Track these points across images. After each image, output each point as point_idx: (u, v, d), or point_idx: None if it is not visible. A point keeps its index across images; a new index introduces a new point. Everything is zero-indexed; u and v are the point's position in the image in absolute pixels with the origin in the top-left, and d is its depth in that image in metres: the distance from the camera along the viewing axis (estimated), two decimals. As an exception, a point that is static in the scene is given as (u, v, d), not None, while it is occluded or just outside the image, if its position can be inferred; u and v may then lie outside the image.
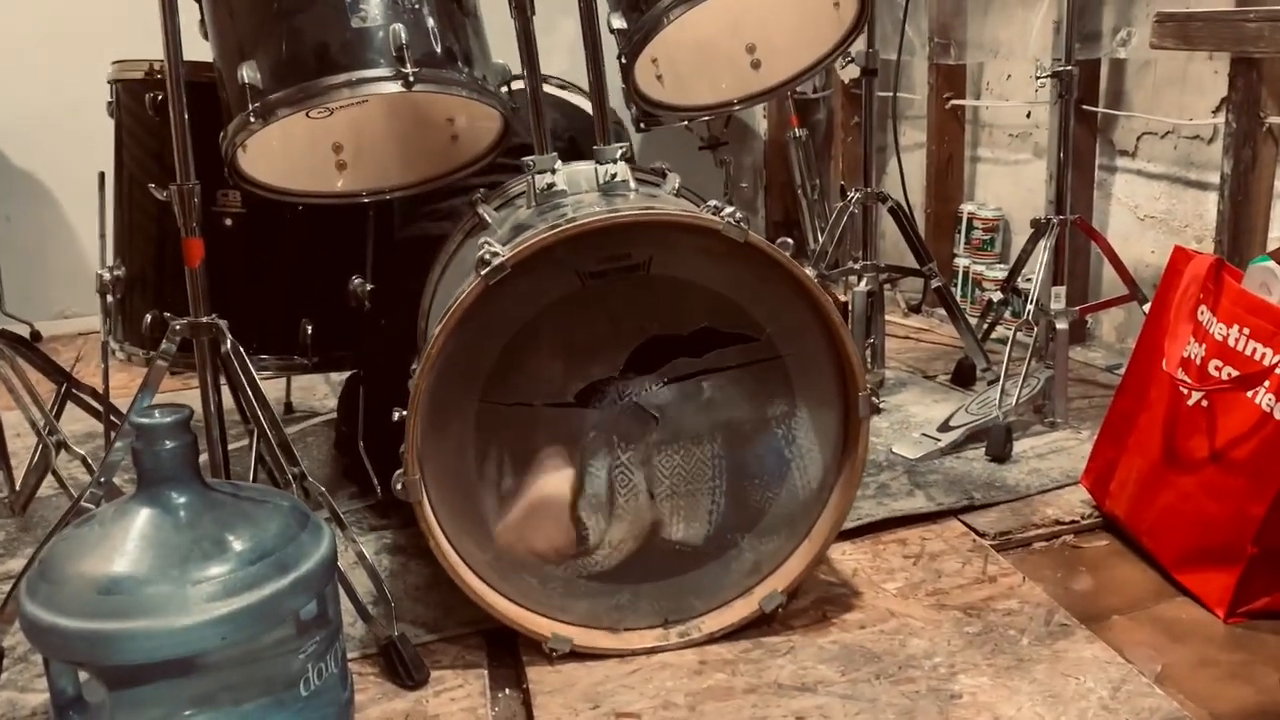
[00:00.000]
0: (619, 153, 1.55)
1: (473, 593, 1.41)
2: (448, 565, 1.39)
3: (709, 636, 1.49)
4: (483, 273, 1.31)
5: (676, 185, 1.65)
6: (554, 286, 1.39)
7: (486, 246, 1.34)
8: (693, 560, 1.50)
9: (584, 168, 1.55)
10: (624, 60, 1.82)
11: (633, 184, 1.53)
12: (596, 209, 1.41)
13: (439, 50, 1.54)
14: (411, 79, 1.48)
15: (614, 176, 1.53)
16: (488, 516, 1.44)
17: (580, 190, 1.53)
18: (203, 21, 1.59)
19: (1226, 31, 0.88)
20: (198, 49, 1.60)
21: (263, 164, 1.64)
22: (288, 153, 1.72)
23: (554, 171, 1.53)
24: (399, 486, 1.35)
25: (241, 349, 1.37)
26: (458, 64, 1.57)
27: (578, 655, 1.45)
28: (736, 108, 2.05)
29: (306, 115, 1.59)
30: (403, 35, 1.47)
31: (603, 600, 1.48)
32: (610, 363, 1.44)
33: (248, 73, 1.48)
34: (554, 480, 1.45)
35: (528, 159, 1.55)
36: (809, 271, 1.41)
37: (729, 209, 1.40)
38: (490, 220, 1.60)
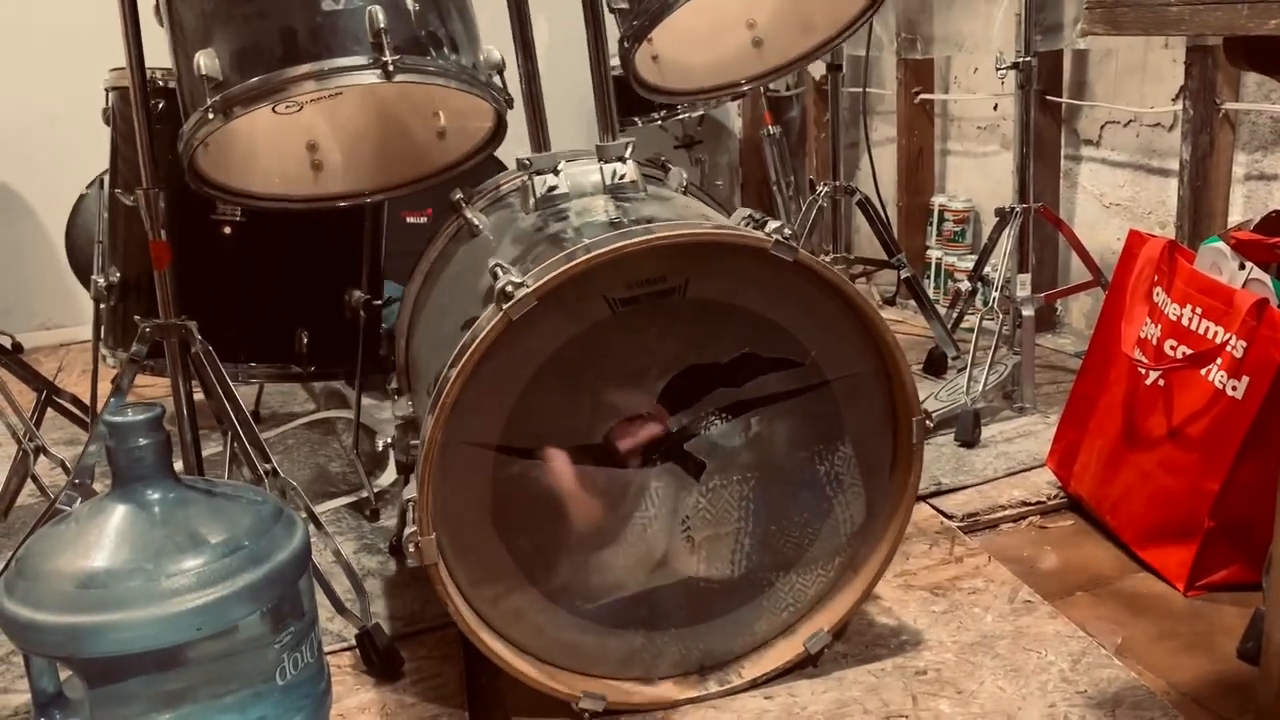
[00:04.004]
0: (626, 149, 1.42)
1: (496, 656, 1.28)
2: (468, 630, 1.26)
3: (751, 683, 1.36)
4: (505, 307, 1.16)
5: (683, 181, 1.53)
6: (581, 316, 1.23)
7: (503, 274, 1.19)
8: (723, 600, 1.36)
9: (588, 167, 1.42)
10: (626, 44, 1.65)
11: (641, 185, 1.42)
12: (612, 218, 1.29)
13: (422, 35, 1.39)
14: (391, 68, 1.33)
15: (622, 177, 1.40)
16: (508, 571, 1.30)
17: (585, 193, 1.41)
18: (158, 8, 1.44)
19: (1150, 16, 0.91)
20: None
21: (228, 165, 1.55)
22: (256, 153, 1.62)
23: (556, 172, 1.40)
24: (411, 548, 1.21)
25: (211, 349, 1.39)
26: (443, 50, 1.41)
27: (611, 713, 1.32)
28: (744, 88, 1.90)
29: (273, 110, 1.46)
30: (380, 18, 1.32)
31: (627, 646, 1.35)
32: (643, 398, 1.28)
33: (205, 62, 1.33)
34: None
35: (524, 157, 1.42)
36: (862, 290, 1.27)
37: (774, 224, 1.25)
38: (481, 226, 1.47)
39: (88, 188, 2.77)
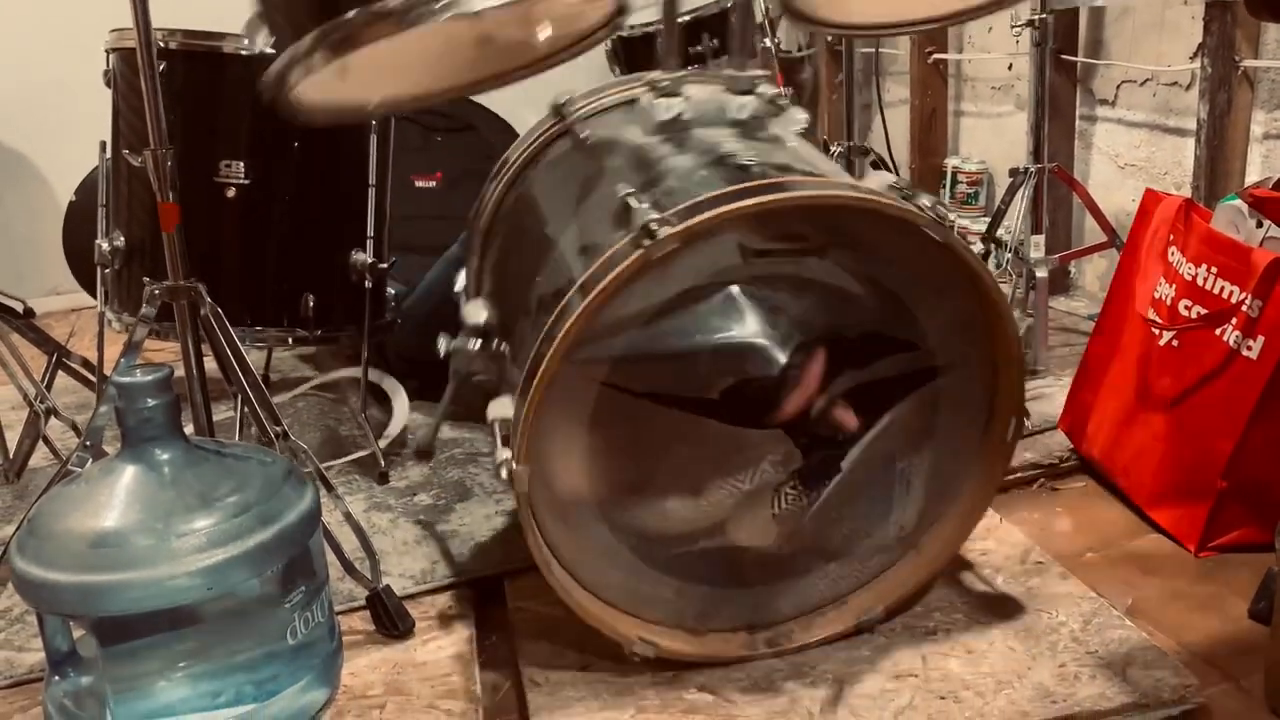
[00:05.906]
0: (758, 84, 1.33)
1: (563, 591, 1.25)
2: (542, 562, 1.22)
3: (799, 647, 1.34)
4: (645, 245, 1.08)
5: (804, 123, 1.42)
6: (712, 259, 1.16)
7: (638, 204, 1.12)
8: (776, 568, 1.34)
9: (713, 95, 1.33)
10: None
11: (766, 122, 1.33)
12: (745, 160, 1.21)
13: None
14: None
15: (749, 111, 1.32)
16: (587, 507, 1.26)
17: (709, 123, 1.31)
18: None
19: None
20: (196, 19, 1.59)
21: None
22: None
23: (683, 97, 1.31)
24: (504, 474, 1.15)
25: (220, 311, 1.39)
26: None
27: (663, 662, 1.30)
28: (894, 32, 1.80)
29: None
30: None
31: (679, 595, 1.33)
32: (765, 358, 1.21)
33: None
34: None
35: (649, 74, 1.32)
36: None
37: (926, 198, 1.18)
38: (587, 135, 1.36)
39: (75, 194, 2.78)
